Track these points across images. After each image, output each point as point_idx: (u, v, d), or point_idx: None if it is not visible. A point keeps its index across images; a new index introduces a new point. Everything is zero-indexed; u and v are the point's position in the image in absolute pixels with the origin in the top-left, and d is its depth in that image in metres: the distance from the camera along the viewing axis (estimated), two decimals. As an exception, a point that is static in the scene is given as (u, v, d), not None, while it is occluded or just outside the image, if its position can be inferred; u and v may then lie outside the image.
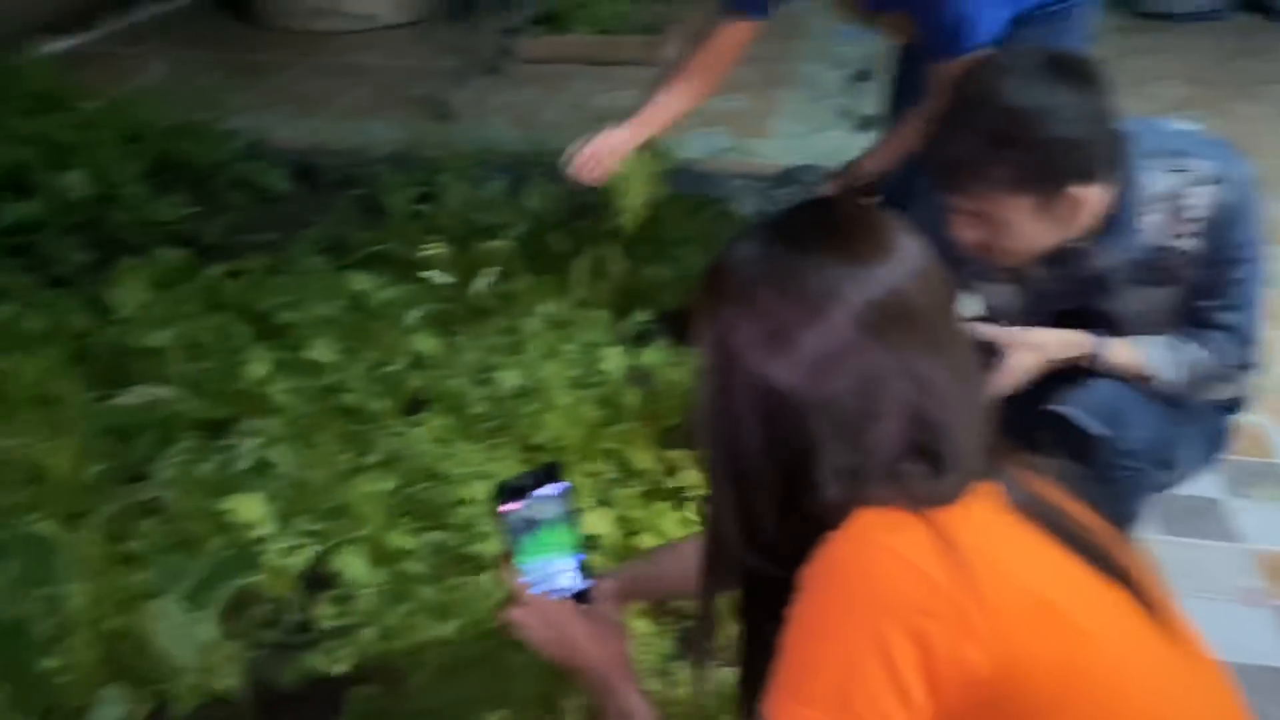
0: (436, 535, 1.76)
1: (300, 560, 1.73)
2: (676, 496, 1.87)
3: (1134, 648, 0.87)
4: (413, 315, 2.27)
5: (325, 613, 1.66)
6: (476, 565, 1.69)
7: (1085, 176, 1.38)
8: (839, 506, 0.83)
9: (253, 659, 1.61)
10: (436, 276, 2.37)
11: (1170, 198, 1.46)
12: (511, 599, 1.09)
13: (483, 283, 2.34)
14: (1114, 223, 1.47)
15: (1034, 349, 1.51)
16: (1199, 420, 1.62)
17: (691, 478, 1.91)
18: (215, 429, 2.00)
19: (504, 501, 1.06)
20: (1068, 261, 1.54)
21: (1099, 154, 1.38)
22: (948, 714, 0.80)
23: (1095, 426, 1.50)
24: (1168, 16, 5.27)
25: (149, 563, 1.62)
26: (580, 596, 1.09)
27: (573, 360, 2.13)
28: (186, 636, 1.37)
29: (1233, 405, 1.68)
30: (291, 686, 1.56)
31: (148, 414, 1.61)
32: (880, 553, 0.80)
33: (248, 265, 2.54)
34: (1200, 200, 1.45)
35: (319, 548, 1.75)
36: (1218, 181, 1.44)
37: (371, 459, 1.91)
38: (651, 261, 2.52)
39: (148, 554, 1.66)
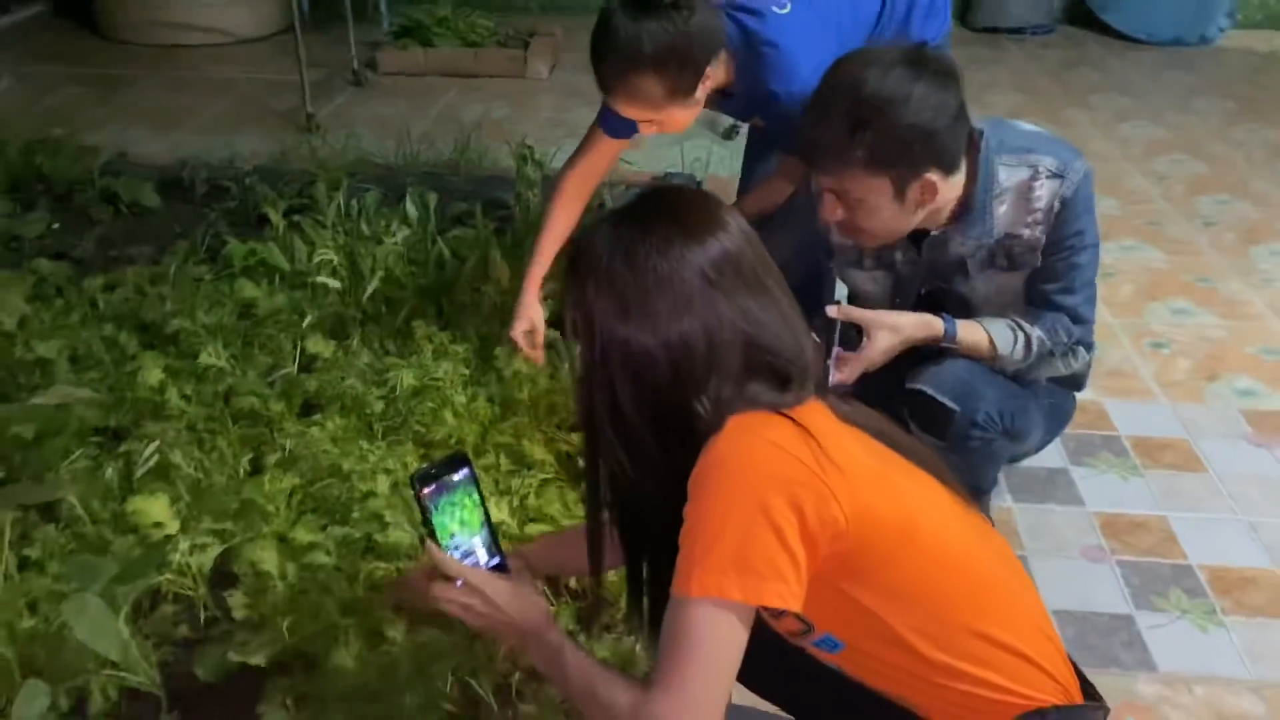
0: (341, 530, 1.82)
1: (207, 558, 1.76)
2: (570, 484, 1.98)
3: (948, 512, 1.11)
4: (303, 321, 2.31)
5: (236, 605, 1.70)
6: (384, 554, 1.76)
7: (938, 163, 1.55)
8: (710, 424, 1.02)
9: (169, 654, 1.64)
10: (326, 282, 2.41)
11: (1019, 190, 1.65)
12: (434, 572, 1.18)
13: (370, 288, 2.40)
14: (971, 210, 1.66)
15: (893, 330, 1.66)
16: (1044, 396, 1.82)
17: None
18: (113, 436, 2.01)
19: (420, 487, 1.14)
20: (929, 245, 1.73)
21: (950, 144, 1.55)
22: (818, 564, 1.00)
23: (948, 401, 1.68)
24: (1001, 30, 5.69)
25: (56, 566, 1.64)
26: (497, 569, 1.18)
27: (464, 359, 2.22)
28: (106, 630, 1.39)
29: (1074, 382, 1.88)
30: (209, 680, 1.58)
31: (47, 420, 1.62)
32: (756, 441, 0.99)
33: (126, 276, 2.52)
34: (1044, 193, 1.64)
35: (225, 546, 1.79)
36: (1060, 176, 1.64)
37: (272, 459, 1.96)
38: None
39: (53, 558, 1.68)
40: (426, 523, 1.15)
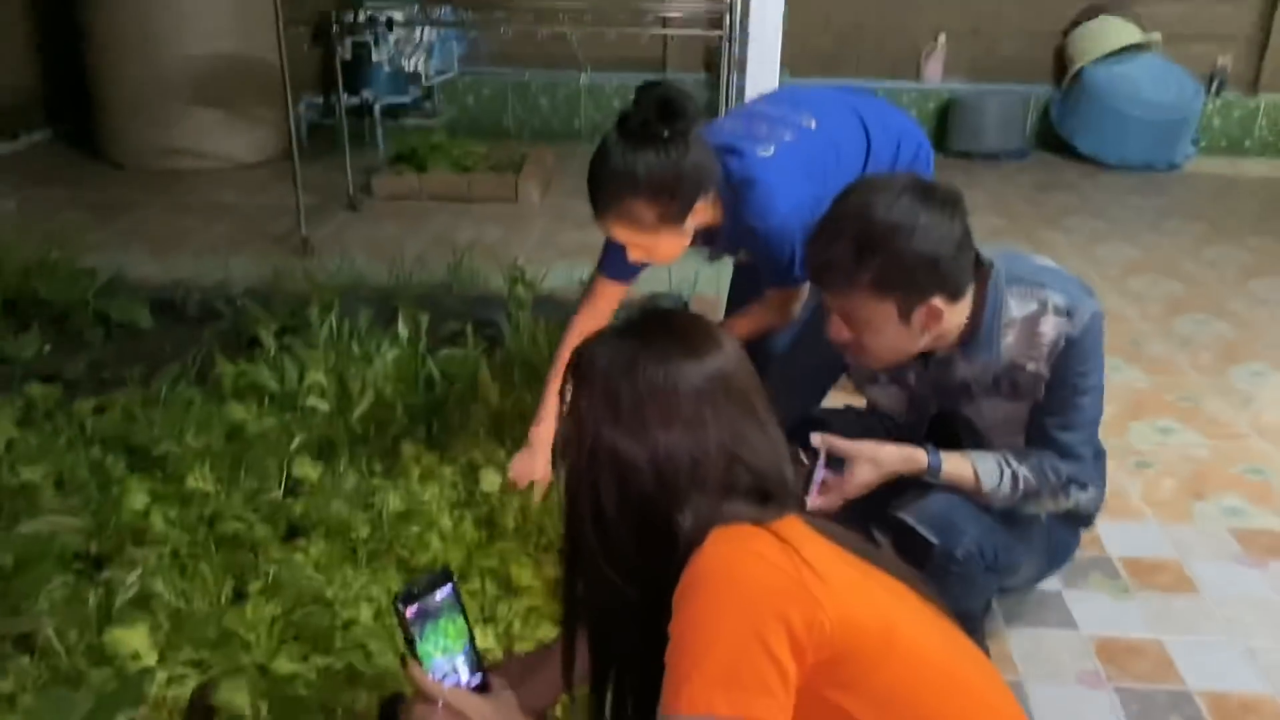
0: (324, 660, 1.79)
1: (185, 691, 1.72)
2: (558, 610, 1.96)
3: (925, 622, 1.12)
4: (291, 443, 2.31)
5: (214, 740, 1.66)
6: (369, 684, 1.73)
7: (943, 289, 1.58)
8: (691, 535, 1.04)
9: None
10: (315, 404, 2.42)
11: (1027, 322, 1.68)
12: (418, 695, 1.17)
13: (359, 410, 2.40)
14: (978, 336, 1.69)
15: (873, 463, 1.67)
16: (1042, 533, 1.82)
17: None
18: (94, 562, 1.98)
19: (403, 607, 1.14)
20: (937, 367, 1.75)
21: (955, 271, 1.59)
22: (805, 673, 1.00)
23: (928, 533, 1.68)
24: (976, 155, 5.89)
25: (29, 699, 1.60)
26: (480, 688, 1.17)
27: (452, 482, 2.21)
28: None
29: (1081, 519, 1.88)
30: None
31: (28, 548, 1.60)
32: (740, 553, 1.01)
33: (116, 399, 2.53)
34: (1051, 329, 1.67)
35: (203, 677, 1.75)
36: (1068, 314, 1.67)
37: (254, 586, 1.93)
38: (521, 385, 2.65)
39: (26, 691, 1.63)
40: (409, 642, 1.14)
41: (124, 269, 3.64)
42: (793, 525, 1.07)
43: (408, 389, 2.61)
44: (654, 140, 1.87)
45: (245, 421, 2.38)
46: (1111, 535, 2.40)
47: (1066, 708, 1.88)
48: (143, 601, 1.83)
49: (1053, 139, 6.04)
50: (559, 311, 3.10)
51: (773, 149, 2.05)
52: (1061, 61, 6.05)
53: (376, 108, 5.48)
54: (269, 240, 4.23)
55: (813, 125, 2.14)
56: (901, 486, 1.73)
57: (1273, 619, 2.13)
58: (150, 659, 1.71)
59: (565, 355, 2.19)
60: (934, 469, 1.69)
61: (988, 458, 1.71)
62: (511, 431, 2.50)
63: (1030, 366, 1.70)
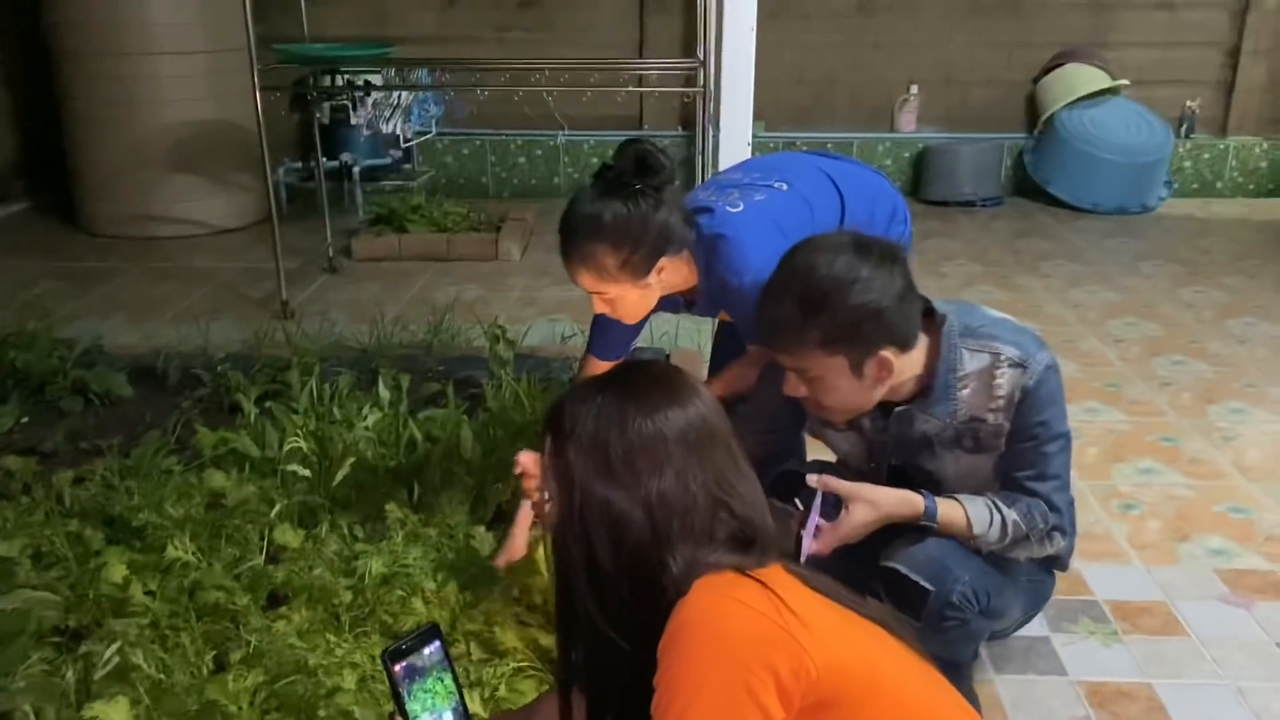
0: (308, 725, 1.76)
1: (166, 765, 1.70)
2: (545, 672, 1.94)
3: (906, 664, 1.13)
4: (272, 510, 2.29)
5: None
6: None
7: (891, 340, 1.62)
8: (679, 583, 1.05)
9: None
10: (296, 470, 2.41)
11: (982, 375, 1.71)
12: None
13: (340, 474, 2.39)
14: (935, 390, 1.72)
15: (872, 505, 1.68)
16: (1024, 575, 1.82)
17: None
18: (73, 636, 1.95)
19: (391, 664, 1.14)
20: (895, 420, 1.77)
21: (901, 321, 1.62)
22: (793, 718, 1.00)
23: (922, 581, 1.68)
24: (952, 203, 5.97)
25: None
26: None
27: (436, 544, 2.20)
28: None
29: (1056, 563, 1.89)
30: None
31: (4, 623, 1.57)
32: (725, 602, 1.02)
33: (95, 470, 2.51)
34: (1005, 381, 1.70)
35: (186, 751, 1.72)
36: (1023, 366, 1.70)
37: (236, 656, 1.90)
38: (503, 443, 2.65)
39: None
40: (397, 699, 1.14)
41: (103, 337, 3.64)
42: (775, 573, 1.08)
43: (389, 451, 2.60)
44: (625, 190, 1.92)
45: (225, 489, 2.36)
46: (1098, 578, 2.40)
47: (1059, 756, 1.86)
48: (122, 674, 1.80)
49: (1027, 185, 6.14)
50: (540, 368, 3.11)
51: (742, 205, 2.09)
52: (1033, 109, 6.17)
53: (355, 170, 5.53)
54: (249, 304, 4.23)
55: (784, 187, 2.17)
56: (887, 537, 1.73)
57: (1261, 658, 2.13)
58: (129, 736, 1.68)
59: None
60: (930, 513, 1.70)
61: (977, 502, 1.72)
62: (494, 490, 2.50)
63: (990, 419, 1.72)
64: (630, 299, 2.02)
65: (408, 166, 6.02)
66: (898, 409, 1.75)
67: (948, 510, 1.71)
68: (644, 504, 1.07)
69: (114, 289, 4.49)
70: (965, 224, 5.69)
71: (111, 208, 5.24)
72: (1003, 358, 1.70)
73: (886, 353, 1.62)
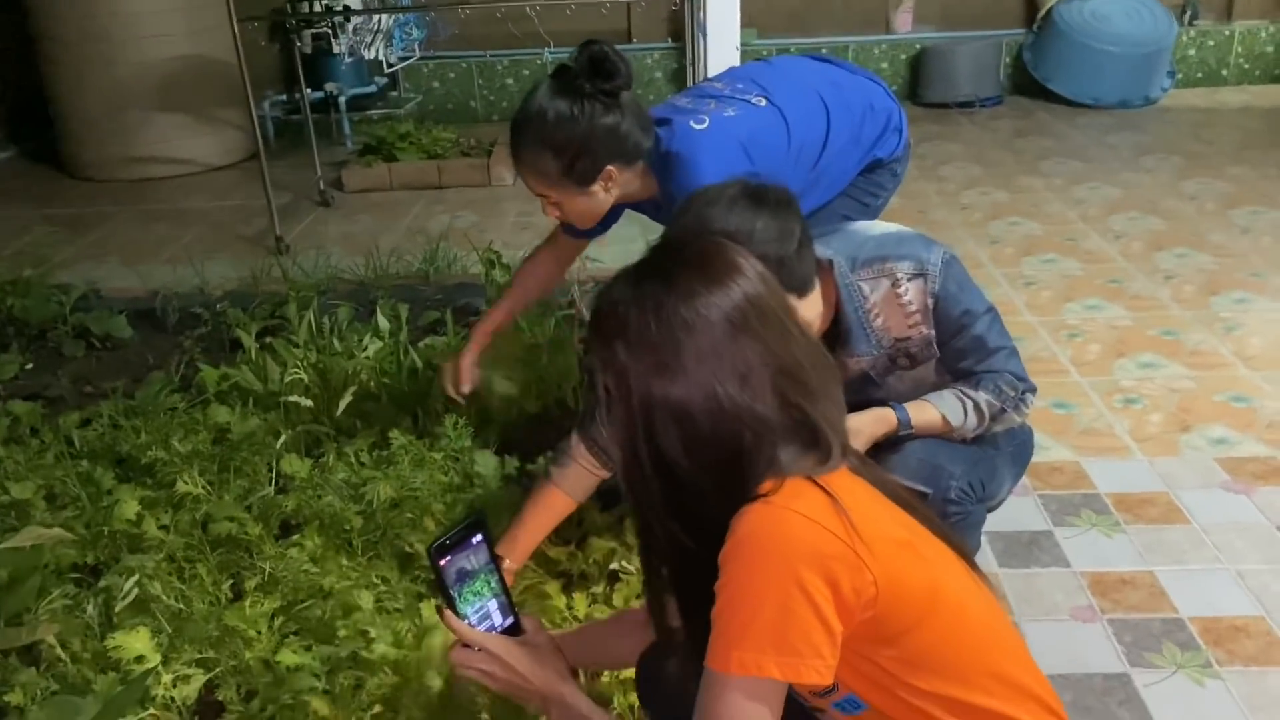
0: (327, 649, 1.80)
1: (191, 689, 1.74)
2: (553, 581, 1.98)
3: (966, 581, 1.11)
4: (278, 441, 2.31)
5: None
6: (372, 669, 1.74)
7: (790, 287, 1.57)
8: (752, 478, 1.01)
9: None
10: (298, 401, 2.42)
11: (888, 300, 1.72)
12: (457, 643, 1.20)
13: (343, 404, 2.40)
14: (849, 332, 1.73)
15: (855, 434, 1.67)
16: (1005, 446, 1.84)
17: (570, 568, 2.02)
18: (91, 572, 1.99)
19: (438, 558, 1.15)
20: None
21: (800, 268, 1.59)
22: (851, 632, 1.00)
23: (919, 486, 1.68)
24: (951, 105, 5.87)
25: (37, 710, 1.60)
26: (511, 630, 1.20)
27: (443, 468, 2.22)
28: (90, 774, 1.36)
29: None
30: None
31: (21, 562, 1.60)
32: (788, 515, 0.98)
33: (101, 411, 2.53)
34: (912, 295, 1.71)
35: (209, 675, 1.76)
36: (921, 275, 1.70)
37: (251, 584, 1.94)
38: (510, 367, 2.65)
39: (35, 701, 1.65)
40: (444, 592, 1.16)
41: (99, 282, 3.63)
42: (842, 478, 1.05)
43: (391, 380, 2.61)
44: (575, 94, 1.89)
45: (230, 423, 2.37)
46: (1100, 472, 2.42)
47: (1061, 642, 1.90)
48: (142, 606, 1.84)
49: (1027, 83, 6.03)
50: (538, 291, 3.09)
51: (707, 122, 2.02)
52: (1032, 4, 6.03)
53: (341, 100, 5.44)
54: (243, 242, 4.21)
55: (762, 102, 2.10)
56: (871, 454, 1.75)
57: (1261, 542, 2.16)
58: (154, 661, 1.72)
59: (520, 278, 2.32)
60: (904, 422, 1.72)
61: (945, 396, 1.74)
62: (498, 413, 2.51)
63: (914, 334, 1.73)
64: (576, 205, 1.99)
65: (394, 94, 5.93)
66: None
67: (920, 414, 1.72)
68: (702, 395, 1.01)
69: (106, 233, 4.46)
70: (964, 126, 5.61)
71: (97, 151, 5.18)
72: (900, 275, 1.70)
73: (790, 300, 1.60)
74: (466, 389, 2.30)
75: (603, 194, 1.99)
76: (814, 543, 0.97)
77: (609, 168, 1.94)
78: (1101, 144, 5.16)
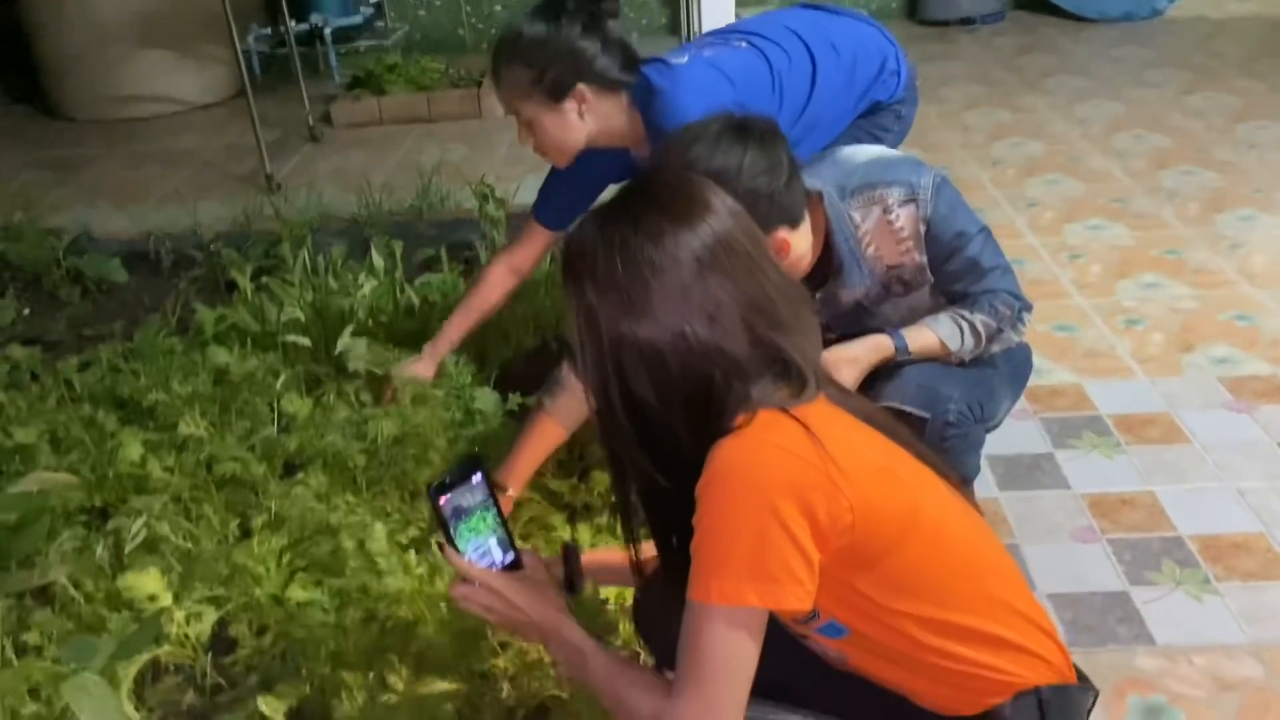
0: (336, 582, 1.81)
1: (204, 626, 1.76)
2: (557, 513, 1.99)
3: (946, 502, 1.12)
4: (278, 381, 2.31)
5: (239, 670, 1.70)
6: (382, 599, 1.76)
7: (783, 220, 1.57)
8: (724, 415, 1.02)
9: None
10: (296, 340, 2.41)
11: (879, 228, 1.70)
12: (458, 578, 1.20)
13: (341, 342, 2.39)
14: (843, 262, 1.71)
15: (852, 362, 1.69)
16: (1003, 366, 1.83)
17: (574, 500, 2.04)
18: (99, 514, 2.01)
19: (438, 496, 1.17)
20: (825, 305, 1.76)
21: (789, 200, 1.57)
22: (829, 558, 1.02)
23: (917, 411, 1.69)
24: (952, 22, 5.76)
25: (54, 649, 1.63)
26: (511, 566, 1.21)
27: (444, 404, 2.22)
28: (108, 708, 1.38)
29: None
30: None
31: (29, 505, 1.61)
32: (763, 447, 1.00)
33: (100, 355, 2.52)
34: (904, 221, 1.69)
35: (220, 612, 1.79)
36: (912, 200, 1.68)
37: (258, 522, 1.96)
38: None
39: (51, 640, 1.67)
40: (444, 530, 1.17)
41: (91, 225, 3.60)
42: (818, 409, 1.05)
43: (388, 318, 2.60)
44: (558, 10, 1.88)
45: (229, 364, 2.37)
46: (1101, 393, 2.43)
47: (1061, 563, 1.92)
48: (151, 546, 1.86)
49: (1029, -3, 5.91)
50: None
51: (686, 58, 2.00)
52: (1033, -87, 5.89)
53: (327, 32, 5.33)
54: (234, 181, 4.16)
55: (743, 45, 2.07)
56: (870, 383, 1.75)
57: (1262, 460, 2.17)
58: (166, 599, 1.74)
59: (472, 298, 2.23)
60: (902, 348, 1.71)
61: (942, 319, 1.73)
62: (496, 350, 2.51)
63: (906, 261, 1.72)
64: (548, 126, 1.94)
65: (380, 24, 5.80)
66: (818, 294, 1.75)
67: (917, 338, 1.72)
68: (671, 336, 1.02)
69: (95, 175, 4.41)
70: (966, 44, 5.51)
71: (80, 91, 5.09)
72: (891, 201, 1.68)
73: (782, 233, 1.59)
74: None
75: (575, 118, 1.94)
76: (789, 472, 0.98)
77: (581, 87, 1.91)
78: (1106, 59, 5.07)
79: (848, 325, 1.80)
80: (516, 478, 1.92)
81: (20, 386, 2.43)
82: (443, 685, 1.59)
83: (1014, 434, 2.26)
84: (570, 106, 1.93)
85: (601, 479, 2.03)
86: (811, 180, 1.68)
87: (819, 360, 1.09)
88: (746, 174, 1.49)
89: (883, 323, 1.77)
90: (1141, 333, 2.68)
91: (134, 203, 3.98)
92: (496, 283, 2.26)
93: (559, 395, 1.91)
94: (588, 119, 1.95)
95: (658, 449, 1.07)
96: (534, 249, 2.26)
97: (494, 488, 1.22)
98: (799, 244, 1.63)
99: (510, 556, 1.22)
